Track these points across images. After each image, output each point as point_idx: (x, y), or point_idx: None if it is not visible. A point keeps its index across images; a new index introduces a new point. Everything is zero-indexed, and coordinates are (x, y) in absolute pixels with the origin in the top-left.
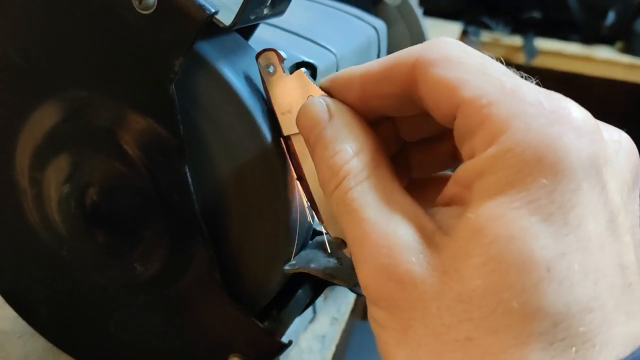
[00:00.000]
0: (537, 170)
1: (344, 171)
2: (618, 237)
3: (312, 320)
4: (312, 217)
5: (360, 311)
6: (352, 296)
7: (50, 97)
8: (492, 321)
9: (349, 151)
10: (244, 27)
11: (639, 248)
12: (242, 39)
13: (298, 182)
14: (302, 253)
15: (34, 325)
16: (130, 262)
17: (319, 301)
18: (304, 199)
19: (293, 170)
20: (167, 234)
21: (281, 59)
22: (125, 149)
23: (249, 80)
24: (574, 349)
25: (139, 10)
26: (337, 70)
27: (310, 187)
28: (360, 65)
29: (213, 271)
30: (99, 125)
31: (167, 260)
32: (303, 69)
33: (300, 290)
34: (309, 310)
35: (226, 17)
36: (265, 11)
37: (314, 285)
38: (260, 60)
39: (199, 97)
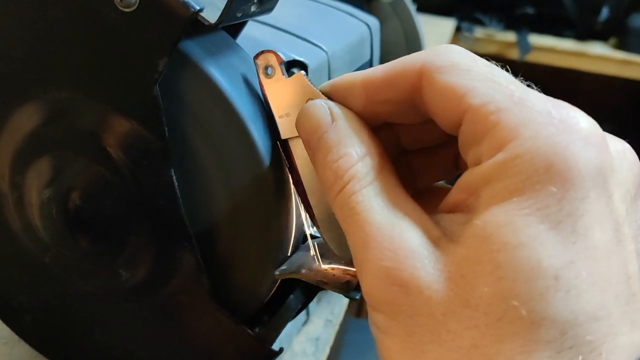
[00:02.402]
0: (546, 178)
1: (349, 175)
2: (623, 247)
3: (305, 322)
4: (306, 220)
5: (354, 309)
6: (346, 298)
7: (31, 99)
8: (499, 329)
9: (354, 155)
10: (232, 25)
11: None
12: (230, 37)
13: (294, 187)
14: (293, 258)
15: (18, 332)
16: (116, 269)
17: (313, 303)
18: (299, 204)
19: (288, 174)
20: (153, 239)
21: (280, 61)
22: (109, 152)
23: (236, 79)
24: (580, 357)
25: (120, 7)
26: (328, 68)
27: (307, 192)
28: (362, 71)
29: (200, 277)
30: (82, 128)
31: (153, 266)
32: (302, 72)
33: (292, 295)
34: (303, 312)
35: (212, 15)
36: (253, 8)
37: (306, 290)
38: (258, 61)
39: (184, 97)
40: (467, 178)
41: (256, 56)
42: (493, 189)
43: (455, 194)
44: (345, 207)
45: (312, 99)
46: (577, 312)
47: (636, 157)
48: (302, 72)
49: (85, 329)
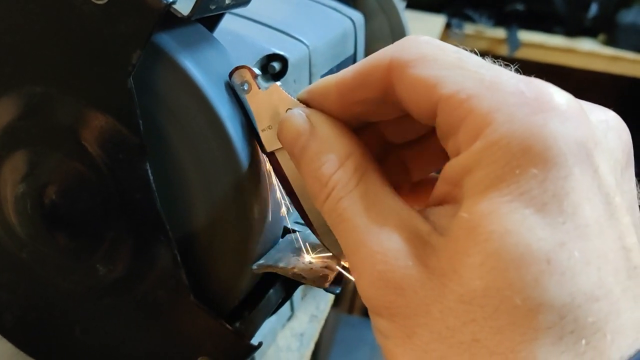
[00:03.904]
0: (525, 161)
1: (333, 181)
2: (617, 220)
3: (290, 318)
4: (285, 215)
5: (346, 305)
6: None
7: (5, 93)
8: (496, 320)
9: (335, 161)
10: (208, 18)
11: None
12: (206, 30)
13: (288, 197)
14: (271, 252)
15: None
16: (93, 264)
17: (297, 299)
18: (287, 202)
19: (265, 167)
20: (130, 234)
21: (254, 75)
22: (85, 147)
23: (210, 70)
24: (583, 341)
25: (93, 0)
26: (309, 62)
27: (301, 201)
28: (336, 74)
29: (178, 272)
30: (57, 122)
31: (131, 261)
32: (278, 83)
33: (272, 290)
34: (287, 307)
35: (185, 7)
36: (227, 1)
37: (286, 285)
38: (234, 78)
39: (159, 90)
40: (449, 169)
41: (231, 74)
42: (474, 179)
43: (441, 186)
44: (334, 213)
45: (290, 109)
46: (574, 294)
47: (623, 124)
48: (278, 82)
49: (65, 325)
